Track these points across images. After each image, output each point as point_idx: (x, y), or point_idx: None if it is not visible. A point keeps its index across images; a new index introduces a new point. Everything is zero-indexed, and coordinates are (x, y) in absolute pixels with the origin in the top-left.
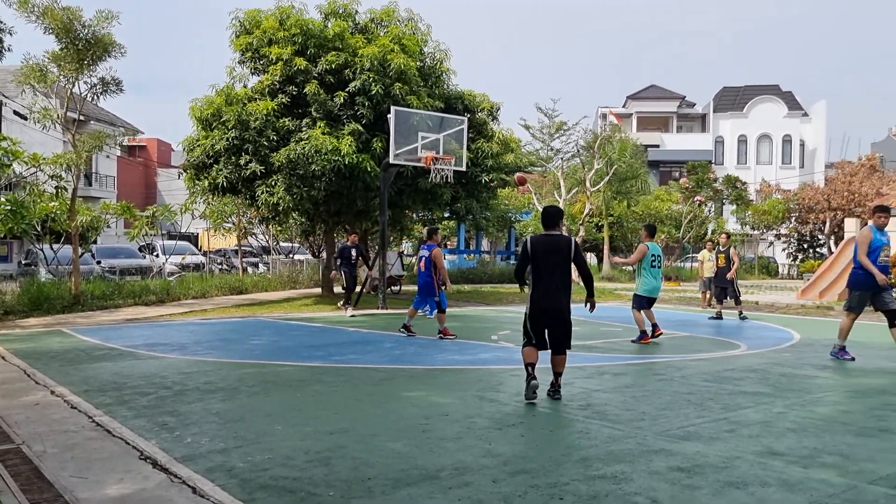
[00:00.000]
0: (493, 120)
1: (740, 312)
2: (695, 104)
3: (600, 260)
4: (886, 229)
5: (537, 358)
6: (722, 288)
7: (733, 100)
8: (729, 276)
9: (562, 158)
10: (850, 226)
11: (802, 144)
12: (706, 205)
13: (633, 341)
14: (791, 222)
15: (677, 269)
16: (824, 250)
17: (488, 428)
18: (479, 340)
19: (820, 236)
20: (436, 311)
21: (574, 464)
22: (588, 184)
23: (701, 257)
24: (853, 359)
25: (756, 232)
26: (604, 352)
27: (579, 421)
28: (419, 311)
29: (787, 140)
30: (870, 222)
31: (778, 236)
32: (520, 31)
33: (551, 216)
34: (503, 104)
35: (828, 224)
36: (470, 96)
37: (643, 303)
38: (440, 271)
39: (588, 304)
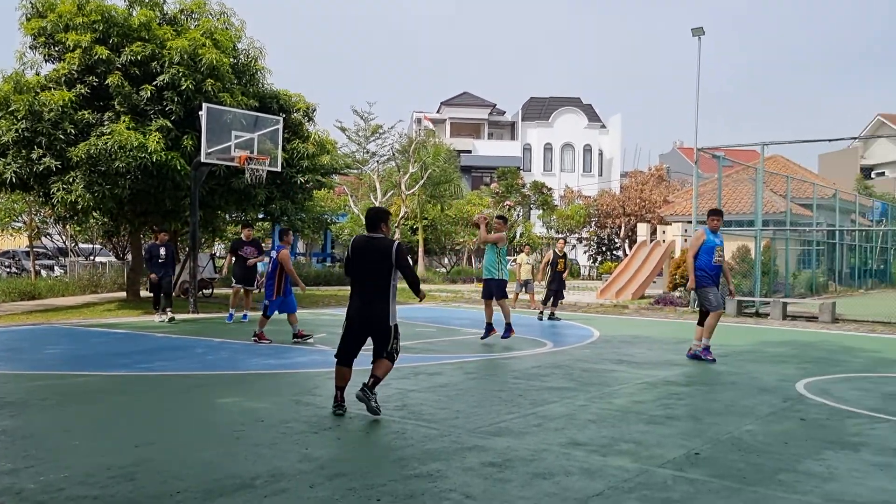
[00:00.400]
0: (308, 121)
1: (552, 313)
2: (505, 112)
3: (415, 262)
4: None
5: (347, 379)
6: (556, 290)
7: (540, 109)
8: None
9: (377, 161)
10: (642, 230)
11: (601, 154)
12: (515, 209)
13: (503, 337)
14: (591, 226)
15: None
16: (620, 253)
17: (305, 432)
18: (295, 344)
19: (616, 240)
20: (262, 314)
21: (391, 464)
22: (403, 187)
23: (519, 260)
24: (714, 360)
25: (560, 235)
26: (418, 352)
27: (395, 421)
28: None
29: (587, 149)
30: (705, 225)
31: (580, 239)
32: (337, 33)
33: (372, 219)
34: (319, 105)
35: (623, 228)
36: (286, 96)
37: (504, 289)
38: (288, 273)
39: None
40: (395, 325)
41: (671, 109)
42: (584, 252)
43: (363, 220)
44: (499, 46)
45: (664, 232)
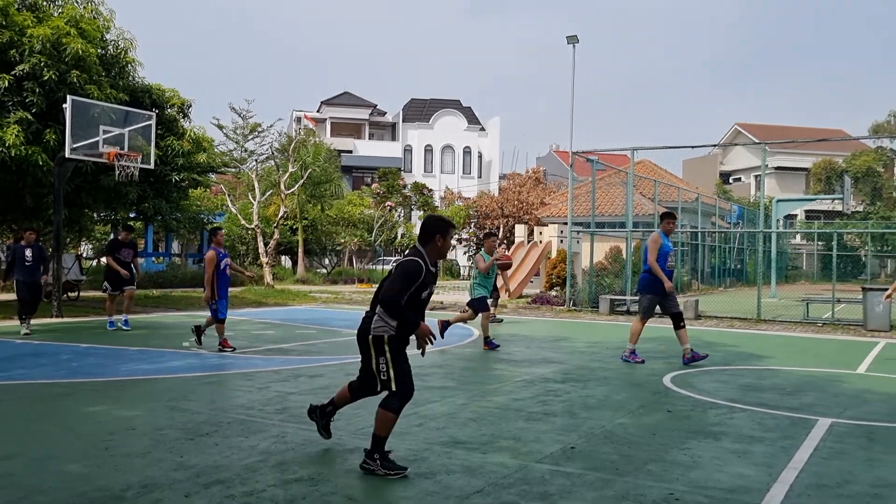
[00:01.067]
0: (184, 117)
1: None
2: (386, 113)
3: (295, 262)
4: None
5: (345, 396)
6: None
7: (420, 111)
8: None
9: (256, 160)
10: (520, 231)
11: (480, 156)
12: (396, 210)
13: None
14: (471, 227)
15: (370, 271)
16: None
17: (179, 439)
18: (170, 348)
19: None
20: (208, 318)
21: (270, 469)
22: (282, 186)
23: None
24: (643, 361)
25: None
26: (299, 354)
27: (275, 425)
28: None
29: (467, 151)
30: (659, 228)
31: (460, 240)
32: (214, 28)
33: (423, 226)
34: (195, 101)
35: (502, 229)
36: (158, 91)
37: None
38: (207, 277)
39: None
40: (380, 339)
41: (548, 113)
42: (465, 252)
43: (241, 219)
44: (380, 47)
45: (541, 233)
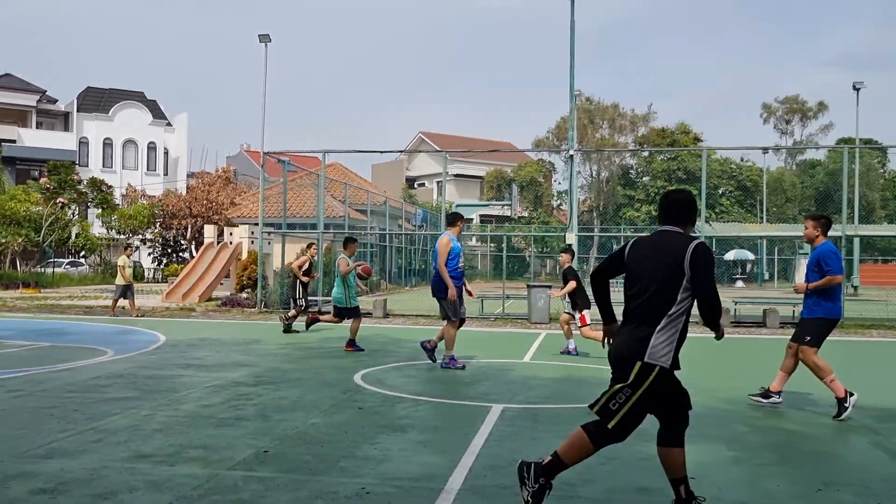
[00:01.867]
0: None
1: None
2: (57, 100)
3: None
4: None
5: (668, 465)
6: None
7: (98, 101)
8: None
9: None
10: (209, 232)
11: (167, 152)
12: (70, 207)
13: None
14: (156, 227)
15: (37, 274)
16: (187, 255)
17: None
18: None
19: (183, 241)
20: None
21: None
22: None
23: (122, 262)
24: (463, 367)
25: (122, 236)
26: None
27: None
28: None
29: (152, 147)
30: (449, 231)
31: (144, 241)
32: None
33: (670, 205)
34: None
35: (190, 230)
36: None
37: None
38: None
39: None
40: (649, 370)
41: (239, 112)
42: (149, 254)
43: None
44: (51, 27)
45: (231, 234)
